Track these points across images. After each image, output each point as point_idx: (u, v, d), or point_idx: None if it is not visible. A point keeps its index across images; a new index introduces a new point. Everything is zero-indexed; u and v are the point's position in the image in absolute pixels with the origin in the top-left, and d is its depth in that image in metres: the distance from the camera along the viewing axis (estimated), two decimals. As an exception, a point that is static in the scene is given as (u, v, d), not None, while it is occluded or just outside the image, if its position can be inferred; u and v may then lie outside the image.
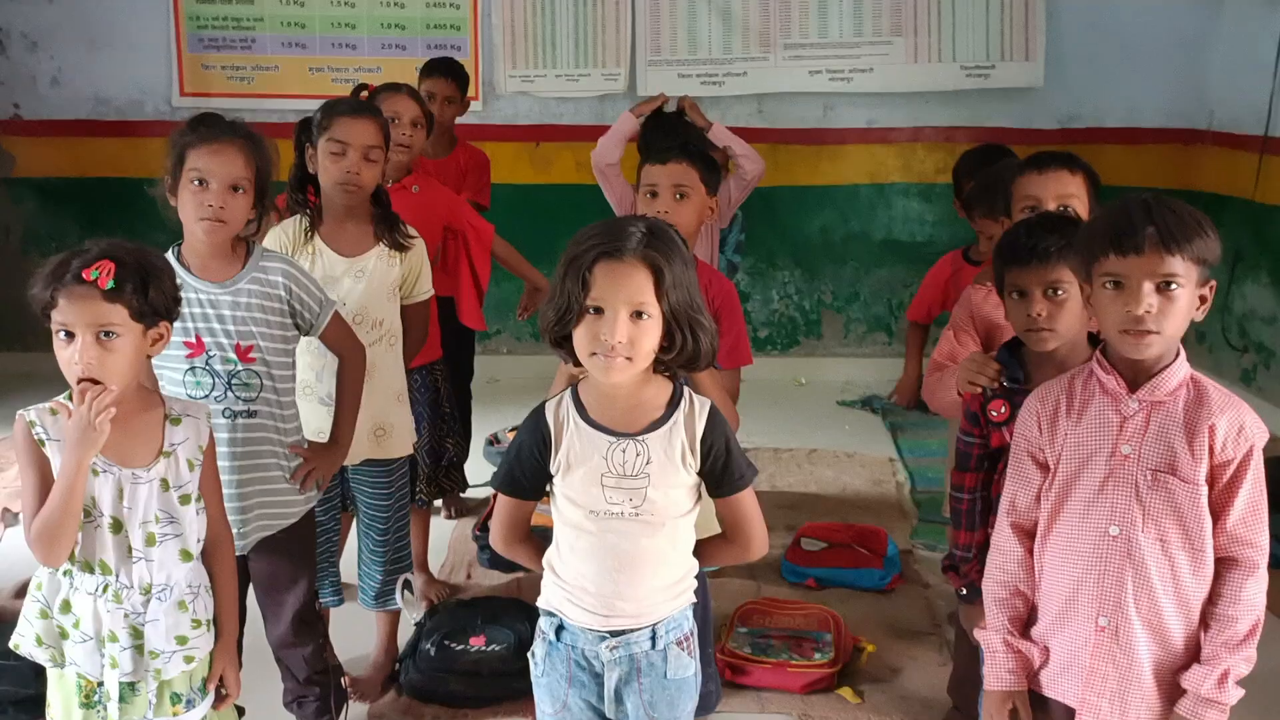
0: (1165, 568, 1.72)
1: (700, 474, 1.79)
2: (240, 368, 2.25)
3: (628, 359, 1.69)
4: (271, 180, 2.29)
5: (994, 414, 2.11)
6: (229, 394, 2.25)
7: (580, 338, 1.70)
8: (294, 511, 2.38)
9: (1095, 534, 1.74)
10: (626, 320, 1.67)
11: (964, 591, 2.20)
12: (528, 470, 1.82)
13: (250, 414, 2.27)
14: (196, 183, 2.18)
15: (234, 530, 2.21)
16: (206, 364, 2.23)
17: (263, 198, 2.26)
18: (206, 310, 2.23)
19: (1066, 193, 2.40)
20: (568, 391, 1.81)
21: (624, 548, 1.77)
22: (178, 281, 2.12)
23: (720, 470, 1.80)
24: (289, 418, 2.37)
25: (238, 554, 2.23)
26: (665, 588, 1.82)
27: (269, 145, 2.30)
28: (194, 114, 2.32)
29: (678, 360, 1.75)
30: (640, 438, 1.75)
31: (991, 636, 1.86)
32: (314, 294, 2.36)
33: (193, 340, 2.22)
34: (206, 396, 2.23)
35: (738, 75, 5.60)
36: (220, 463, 2.18)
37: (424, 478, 3.19)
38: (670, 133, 3.57)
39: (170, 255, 2.23)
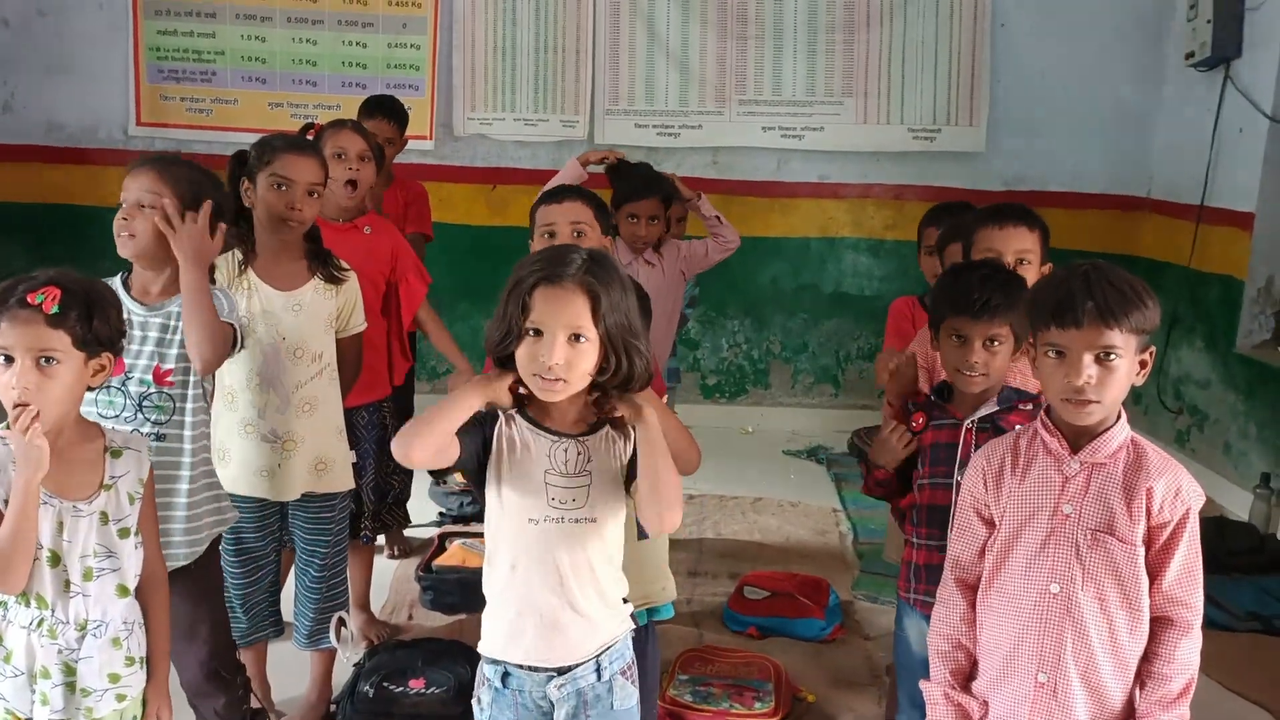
0: (1103, 626, 1.76)
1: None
2: (154, 390, 2.24)
3: (563, 380, 1.74)
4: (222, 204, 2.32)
5: (914, 424, 2.22)
6: (139, 415, 2.24)
7: (521, 358, 1.76)
8: (185, 552, 2.31)
9: (1036, 591, 1.78)
10: (564, 343, 1.73)
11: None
12: (469, 433, 1.81)
13: (159, 437, 2.25)
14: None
15: None
16: (122, 385, 2.23)
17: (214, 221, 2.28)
18: (132, 331, 2.23)
19: (1024, 248, 2.50)
20: (515, 410, 1.85)
21: (563, 558, 1.80)
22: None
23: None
24: (198, 450, 2.32)
25: None
26: (608, 606, 1.85)
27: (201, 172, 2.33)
28: (150, 143, 2.35)
29: (613, 382, 1.80)
30: (581, 438, 1.81)
31: (933, 689, 1.89)
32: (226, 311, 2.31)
33: None
34: (116, 417, 2.22)
35: (693, 128, 5.71)
36: None
37: (369, 514, 3.18)
38: (647, 176, 3.63)
39: (118, 280, 2.26)
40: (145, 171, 2.26)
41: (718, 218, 3.73)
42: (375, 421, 3.16)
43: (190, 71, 5.59)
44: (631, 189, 3.42)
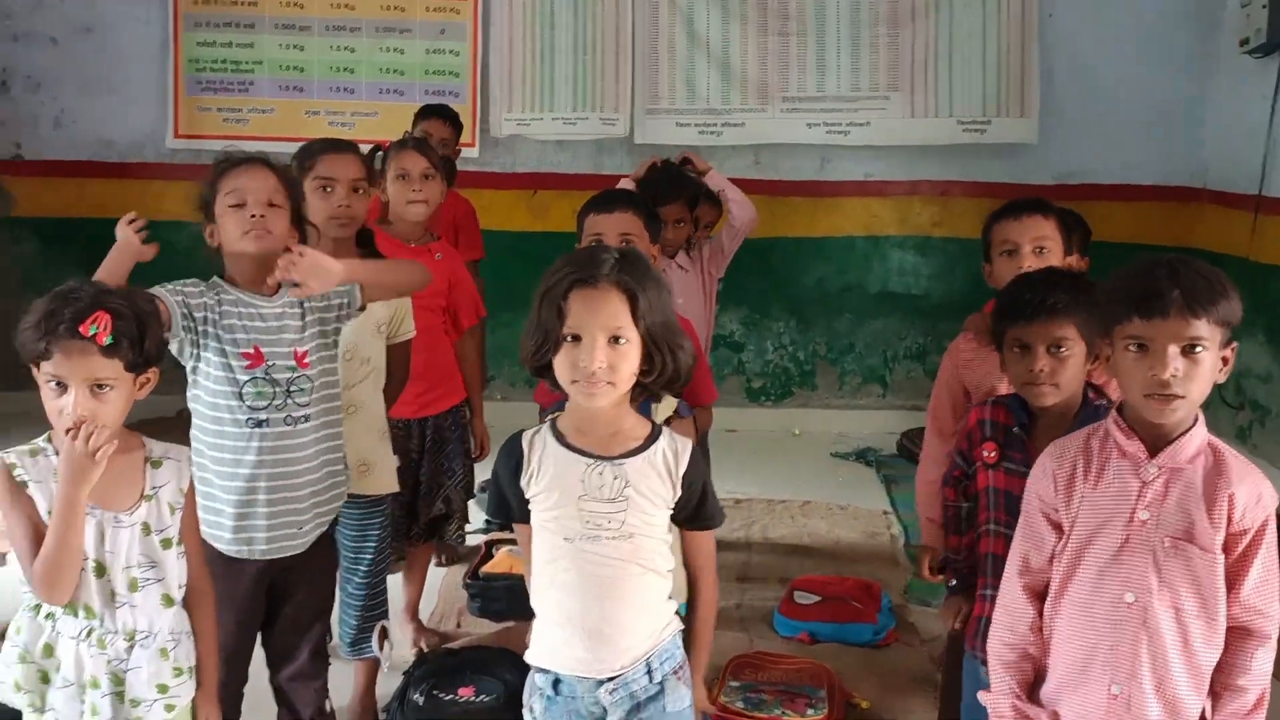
0: (1179, 636, 1.69)
1: (674, 508, 1.82)
2: (298, 374, 2.27)
3: (609, 383, 1.71)
4: (303, 208, 2.36)
5: (986, 454, 2.13)
6: (289, 401, 2.26)
7: (560, 365, 1.73)
8: (335, 507, 2.40)
9: (1110, 600, 1.71)
10: (604, 346, 1.70)
11: (953, 583, 2.27)
12: (510, 496, 1.84)
13: (307, 419, 2.28)
14: (234, 205, 2.22)
15: (299, 530, 2.27)
16: (266, 374, 2.24)
17: (299, 223, 2.32)
18: (265, 323, 2.25)
19: (1041, 235, 2.47)
20: (547, 422, 1.83)
21: (604, 573, 1.77)
22: (230, 297, 2.20)
23: (695, 506, 1.84)
24: (336, 422, 2.38)
25: (295, 553, 2.29)
26: (650, 610, 1.82)
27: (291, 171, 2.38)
28: (196, 156, 2.36)
29: (658, 382, 1.77)
30: (618, 462, 1.77)
31: (999, 700, 1.82)
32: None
33: (250, 351, 2.23)
34: (268, 406, 2.23)
35: (735, 125, 5.65)
36: (281, 469, 2.23)
37: (458, 514, 3.24)
38: (673, 179, 3.60)
39: (218, 279, 2.28)
40: (264, 171, 2.25)
41: (723, 190, 3.67)
42: (458, 423, 3.21)
43: (228, 82, 5.61)
44: (657, 193, 3.39)
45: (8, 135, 5.68)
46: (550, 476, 1.78)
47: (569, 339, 1.71)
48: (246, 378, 2.22)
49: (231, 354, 2.21)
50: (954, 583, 2.28)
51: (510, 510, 1.86)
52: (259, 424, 2.23)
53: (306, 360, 2.28)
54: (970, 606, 2.19)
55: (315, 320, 2.31)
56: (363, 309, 2.39)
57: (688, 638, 1.91)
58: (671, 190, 3.48)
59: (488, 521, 4.21)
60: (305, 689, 2.45)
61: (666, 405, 2.12)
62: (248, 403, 2.22)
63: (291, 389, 2.26)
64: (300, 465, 2.28)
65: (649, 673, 1.81)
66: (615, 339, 1.71)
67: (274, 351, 2.25)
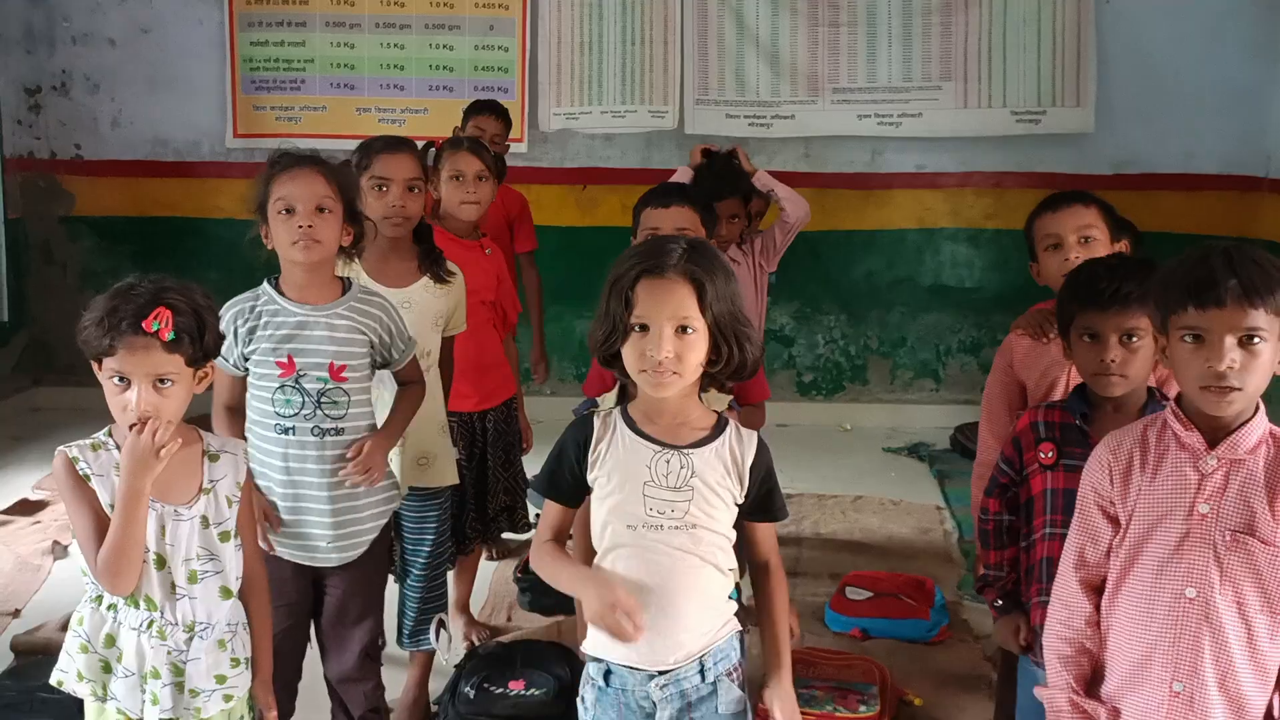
0: (1243, 632, 1.66)
1: (742, 500, 1.82)
2: (331, 385, 2.29)
3: (676, 373, 1.72)
4: (358, 204, 2.38)
5: (1043, 457, 2.09)
6: (319, 412, 2.28)
7: (628, 355, 1.74)
8: (378, 525, 2.41)
9: (1170, 595, 1.68)
10: (671, 335, 1.71)
11: (999, 603, 2.20)
12: (567, 472, 1.84)
13: (338, 431, 2.30)
14: (284, 211, 2.24)
15: (325, 544, 2.29)
16: (296, 383, 2.27)
17: (354, 220, 2.33)
18: (301, 331, 2.27)
19: (1084, 224, 2.43)
20: (617, 406, 1.84)
21: (665, 565, 1.77)
22: (271, 307, 2.25)
23: (764, 497, 1.84)
24: None
25: (332, 565, 2.32)
26: (707, 605, 1.82)
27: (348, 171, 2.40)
28: (249, 155, 2.39)
29: (725, 371, 1.78)
30: (685, 451, 1.78)
31: (1056, 696, 1.79)
32: (403, 333, 2.43)
33: (284, 360, 2.26)
34: (295, 415, 2.27)
35: (785, 118, 5.60)
36: (309, 479, 2.26)
37: (521, 505, 3.28)
38: (724, 174, 3.60)
39: (267, 286, 2.31)
40: (313, 175, 2.26)
41: (773, 190, 3.66)
42: (512, 415, 3.25)
43: (280, 80, 5.67)
44: (713, 188, 3.39)
45: (67, 136, 5.79)
46: (615, 460, 1.79)
47: (636, 329, 1.72)
48: (277, 385, 2.26)
49: (268, 362, 2.26)
50: (1000, 603, 2.21)
51: (560, 485, 1.85)
52: (285, 431, 2.27)
53: (344, 374, 2.30)
54: (1027, 622, 2.13)
55: (358, 344, 2.32)
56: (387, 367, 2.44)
57: (765, 638, 1.89)
58: (728, 186, 3.48)
59: (537, 516, 4.24)
60: (354, 690, 2.48)
61: (717, 403, 2.11)
62: (276, 409, 2.26)
63: (322, 401, 2.28)
64: (327, 479, 2.29)
65: (701, 671, 1.80)
66: (683, 329, 1.71)
67: (307, 362, 2.27)
